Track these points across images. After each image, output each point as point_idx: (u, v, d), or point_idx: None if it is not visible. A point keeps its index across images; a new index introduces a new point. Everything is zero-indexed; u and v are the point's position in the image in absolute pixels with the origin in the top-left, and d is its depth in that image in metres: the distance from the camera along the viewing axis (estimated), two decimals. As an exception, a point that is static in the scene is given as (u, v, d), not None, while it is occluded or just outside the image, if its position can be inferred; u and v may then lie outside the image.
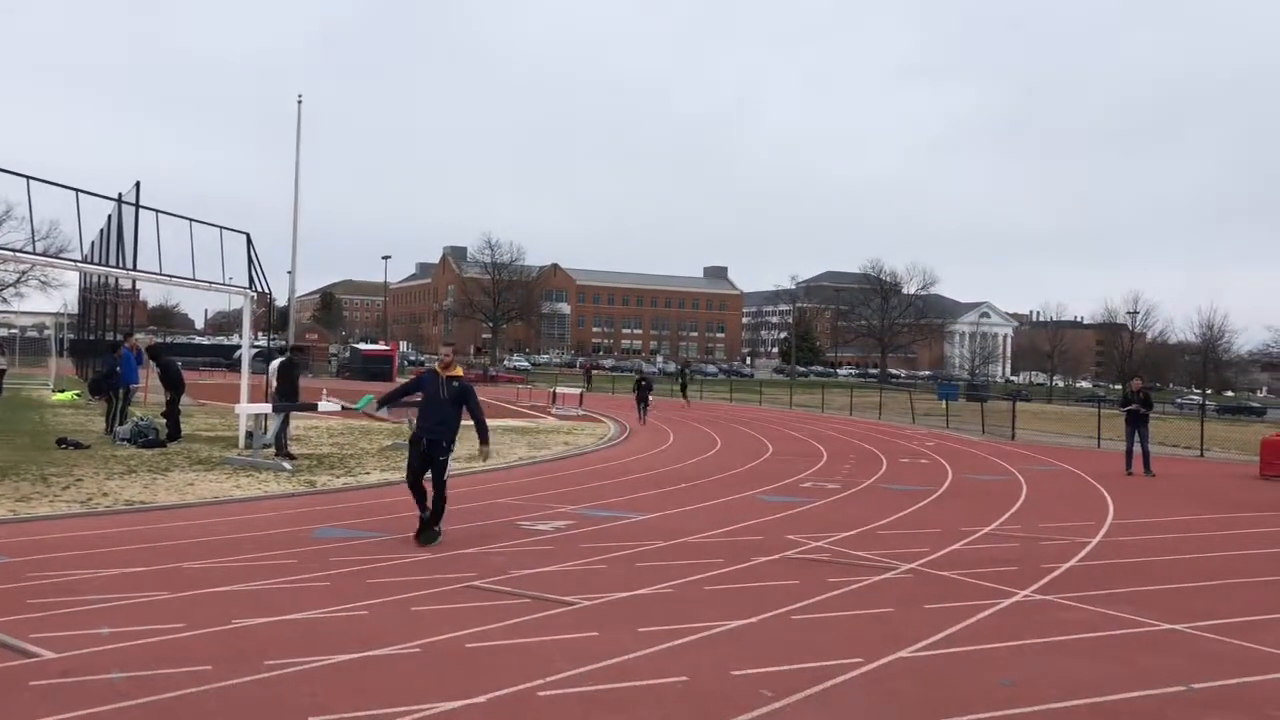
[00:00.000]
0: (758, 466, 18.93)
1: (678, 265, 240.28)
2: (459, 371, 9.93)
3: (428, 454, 9.71)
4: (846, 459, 21.00)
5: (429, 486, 9.80)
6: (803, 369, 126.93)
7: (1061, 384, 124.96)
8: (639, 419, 31.57)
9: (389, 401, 10.64)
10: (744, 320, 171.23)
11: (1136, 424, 19.89)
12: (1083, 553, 10.51)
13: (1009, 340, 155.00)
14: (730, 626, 6.92)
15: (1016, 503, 14.59)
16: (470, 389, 9.92)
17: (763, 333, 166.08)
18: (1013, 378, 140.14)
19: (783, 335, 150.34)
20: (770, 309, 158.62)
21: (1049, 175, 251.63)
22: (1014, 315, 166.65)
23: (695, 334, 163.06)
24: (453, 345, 10.58)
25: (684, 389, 48.00)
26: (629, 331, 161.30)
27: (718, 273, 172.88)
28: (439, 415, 9.73)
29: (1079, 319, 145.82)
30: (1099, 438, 28.40)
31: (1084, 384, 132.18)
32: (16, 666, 5.55)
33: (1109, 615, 7.68)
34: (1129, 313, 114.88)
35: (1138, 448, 19.75)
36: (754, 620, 7.11)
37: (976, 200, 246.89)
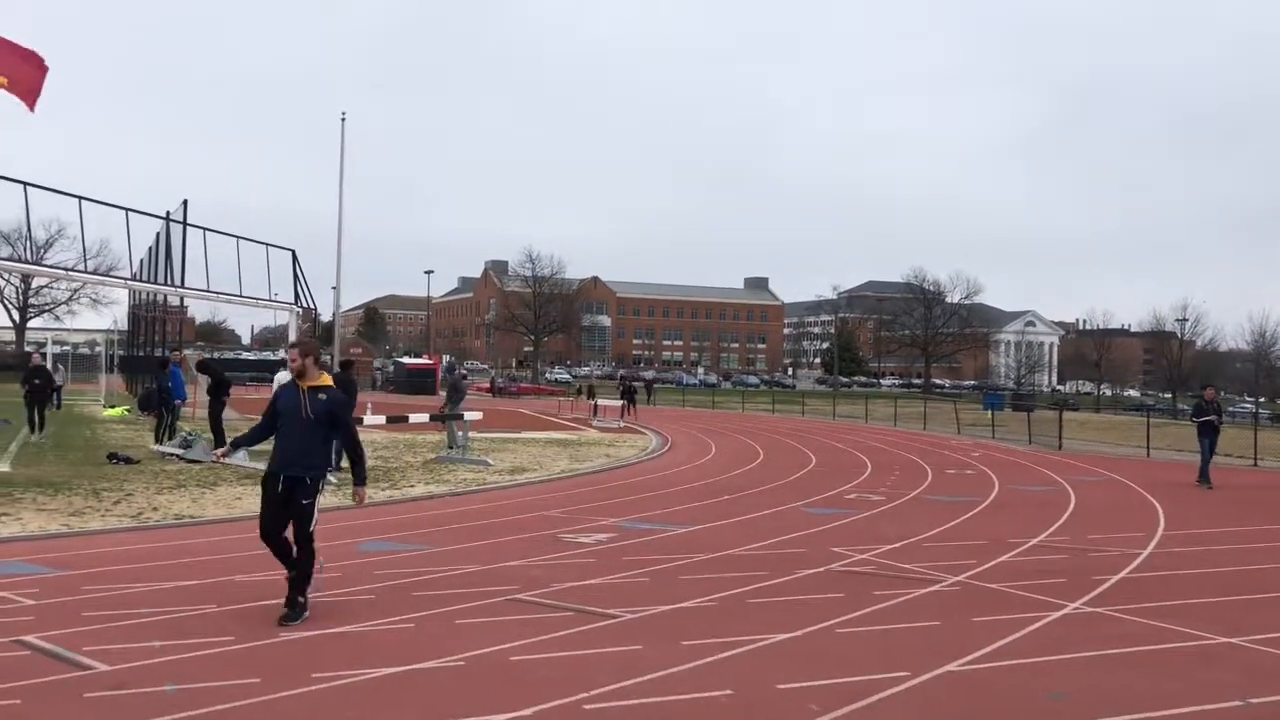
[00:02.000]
0: (801, 478, 18.84)
1: (718, 276, 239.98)
2: (325, 381, 7.41)
3: (285, 497, 7.12)
4: (891, 470, 20.84)
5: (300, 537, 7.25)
6: (845, 379, 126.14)
7: (1109, 393, 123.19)
8: (623, 415, 38.36)
9: (254, 440, 7.69)
10: (785, 331, 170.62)
11: (1209, 435, 19.59)
12: (1134, 564, 10.34)
13: (1054, 349, 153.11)
14: (775, 640, 6.88)
15: (1065, 513, 14.40)
16: (342, 404, 7.46)
17: (804, 343, 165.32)
18: (1059, 387, 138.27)
19: (825, 346, 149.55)
20: (812, 319, 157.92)
21: (1095, 181, 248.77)
22: (1059, 324, 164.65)
23: (736, 345, 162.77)
24: (302, 346, 7.48)
25: (630, 399, 46.18)
26: (669, 343, 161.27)
27: (759, 283, 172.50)
28: (299, 443, 7.19)
29: (1126, 327, 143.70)
30: (1148, 447, 27.97)
31: (1132, 393, 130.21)
32: (72, 679, 5.64)
33: (1162, 628, 7.55)
34: (1178, 320, 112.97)
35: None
36: (799, 633, 7.06)
37: (1020, 207, 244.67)
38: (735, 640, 6.81)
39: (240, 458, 7.97)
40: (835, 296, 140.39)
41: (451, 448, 21.27)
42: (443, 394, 36.09)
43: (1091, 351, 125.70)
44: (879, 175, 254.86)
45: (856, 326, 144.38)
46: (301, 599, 7.11)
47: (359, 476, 7.46)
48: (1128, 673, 6.38)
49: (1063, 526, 13.07)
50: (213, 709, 5.18)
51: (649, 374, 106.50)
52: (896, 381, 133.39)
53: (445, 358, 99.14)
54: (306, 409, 7.19)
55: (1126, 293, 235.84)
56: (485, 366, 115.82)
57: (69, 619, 6.89)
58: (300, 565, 7.15)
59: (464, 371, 30.94)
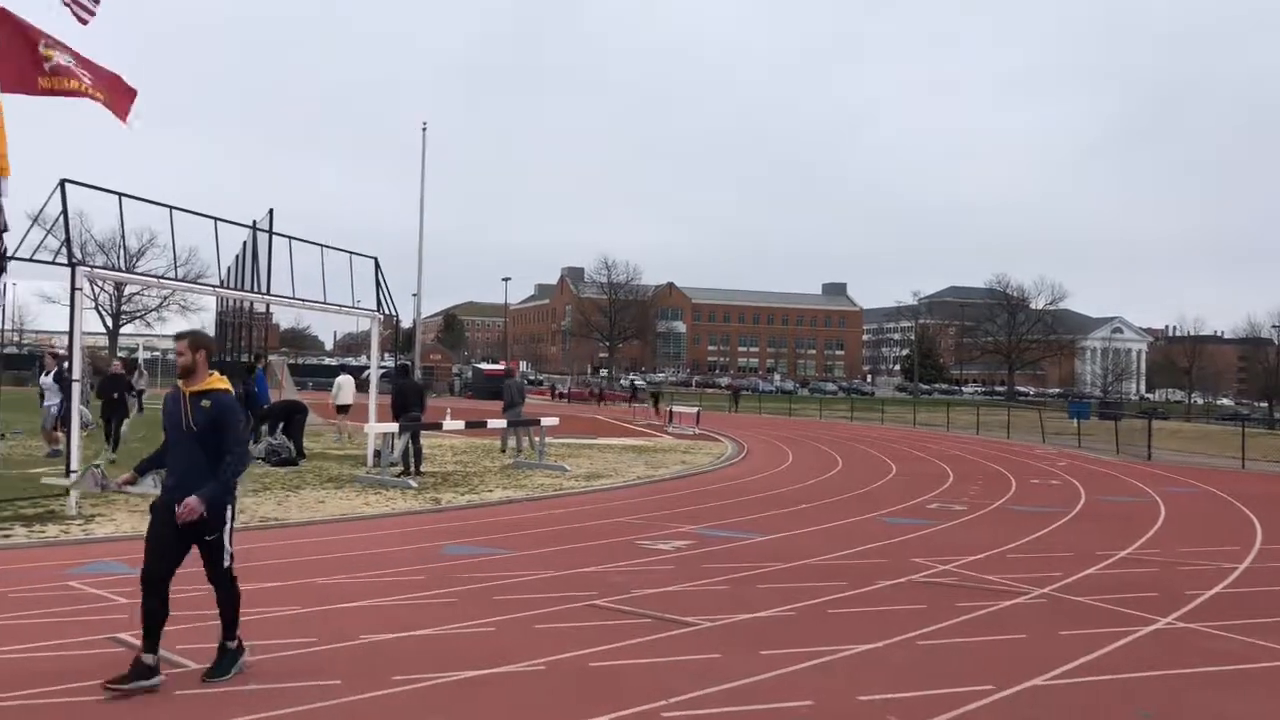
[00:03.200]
0: (881, 487, 18.63)
1: (795, 282, 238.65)
2: (217, 384, 5.91)
3: (181, 532, 5.69)
4: (974, 480, 20.50)
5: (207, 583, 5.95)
6: (926, 387, 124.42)
7: (1200, 401, 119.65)
8: (655, 413, 43.79)
9: (159, 461, 6.11)
10: (864, 337, 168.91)
11: None
12: (1229, 579, 10.03)
13: (1143, 356, 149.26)
14: (855, 651, 6.81)
15: (1155, 526, 14.02)
16: (230, 411, 5.85)
17: (884, 350, 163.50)
18: (1148, 395, 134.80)
19: (904, 353, 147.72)
20: (891, 326, 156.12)
21: (1185, 185, 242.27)
22: (1148, 330, 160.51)
23: (813, 351, 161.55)
24: (193, 338, 6.06)
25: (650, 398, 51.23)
26: (745, 350, 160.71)
27: (837, 289, 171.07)
28: (185, 462, 5.77)
29: (1219, 334, 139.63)
30: (1243, 458, 27.10)
31: (1225, 401, 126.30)
32: (164, 676, 5.80)
33: (1258, 646, 7.31)
34: (1274, 326, 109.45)
35: None
36: (879, 645, 6.98)
37: (1108, 212, 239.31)
38: (815, 650, 6.75)
39: (148, 485, 6.91)
40: (916, 302, 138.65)
41: (503, 451, 22.26)
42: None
43: (1182, 358, 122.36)
44: (964, 180, 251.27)
45: (937, 333, 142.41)
46: (231, 643, 5.92)
47: (223, 477, 5.74)
48: (1221, 692, 6.19)
49: (1152, 539, 12.72)
50: (293, 709, 5.29)
51: (731, 381, 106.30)
52: (979, 389, 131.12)
53: (520, 363, 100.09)
54: (188, 419, 5.76)
55: (1219, 298, 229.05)
56: (562, 374, 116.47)
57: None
58: (225, 606, 5.91)
59: (522, 375, 31.33)
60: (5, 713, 5.11)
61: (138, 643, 5.68)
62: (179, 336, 6.15)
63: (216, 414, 5.77)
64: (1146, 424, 32.49)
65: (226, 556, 5.88)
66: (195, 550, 5.84)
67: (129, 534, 10.69)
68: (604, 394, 74.65)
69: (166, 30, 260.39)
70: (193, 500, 5.57)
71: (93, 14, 11.90)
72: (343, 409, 25.78)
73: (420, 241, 45.11)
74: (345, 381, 26.62)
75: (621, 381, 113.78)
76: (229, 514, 5.86)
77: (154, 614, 5.59)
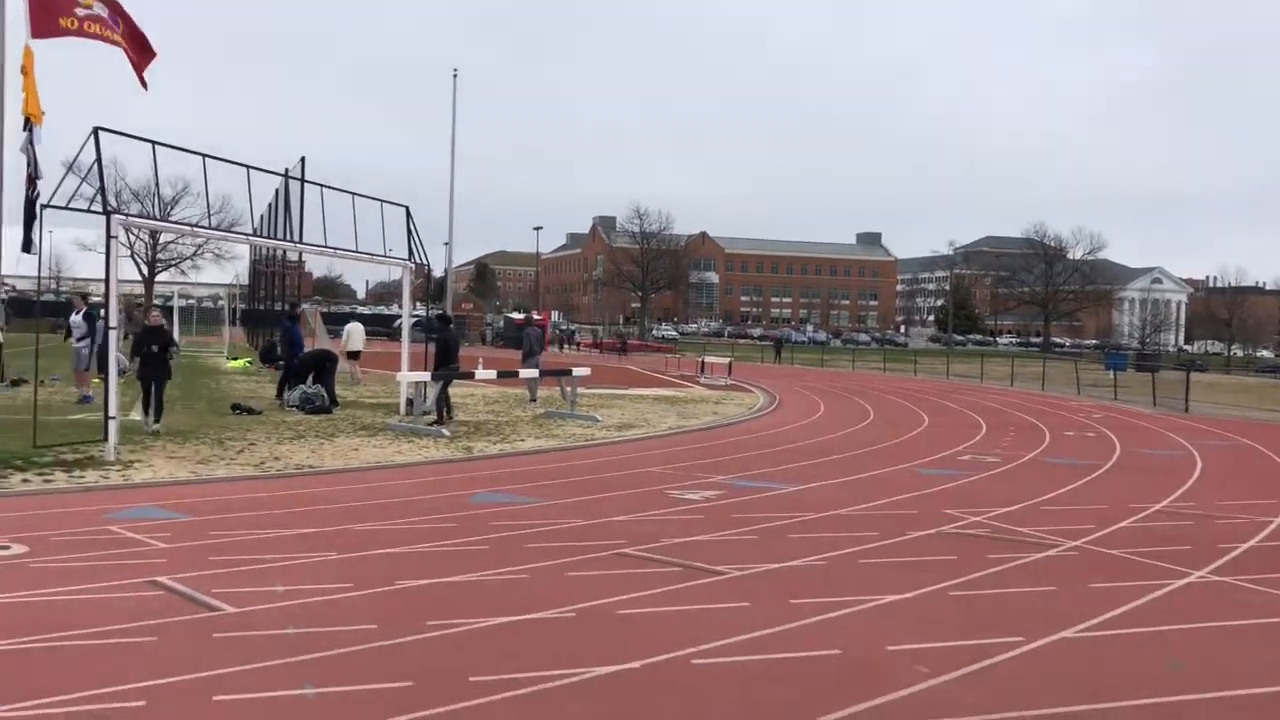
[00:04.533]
0: (913, 438, 18.59)
1: (829, 232, 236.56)
2: None
3: None
4: (1007, 431, 20.41)
5: None
6: (960, 338, 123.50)
7: (1240, 354, 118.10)
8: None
9: None
10: (898, 288, 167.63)
11: None
12: (1264, 533, 9.96)
13: (1183, 307, 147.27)
14: (885, 601, 6.84)
15: (1190, 479, 13.93)
16: None
17: (918, 300, 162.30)
18: (1186, 347, 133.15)
19: (939, 303, 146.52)
20: (926, 276, 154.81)
21: (1226, 134, 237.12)
22: (1188, 281, 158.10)
23: (847, 302, 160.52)
24: None
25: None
26: (778, 300, 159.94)
27: (871, 239, 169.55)
28: None
29: (1261, 284, 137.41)
30: (1283, 411, 26.77)
31: (1265, 353, 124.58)
32: (202, 619, 5.93)
33: (1293, 600, 7.27)
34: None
35: None
36: (909, 595, 7.01)
37: (1147, 161, 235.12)
38: (844, 600, 6.79)
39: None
40: (951, 252, 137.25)
41: (533, 400, 22.38)
42: (550, 350, 36.66)
43: (1223, 310, 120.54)
44: (1000, 128, 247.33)
45: (973, 283, 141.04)
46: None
47: None
48: (1253, 645, 6.18)
49: (1188, 492, 12.64)
50: (331, 653, 5.39)
51: (770, 332, 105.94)
52: (1014, 340, 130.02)
53: (551, 313, 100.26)
54: None
55: (1262, 249, 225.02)
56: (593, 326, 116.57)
57: (198, 562, 7.23)
58: None
59: (539, 321, 31.27)
60: (51, 652, 5.25)
61: (179, 586, 5.81)
62: None
63: None
64: (1184, 376, 32.14)
65: None
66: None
67: (166, 479, 10.88)
68: (626, 344, 73.21)
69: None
70: None
71: None
72: (353, 355, 26.43)
73: (451, 190, 45.30)
74: (354, 328, 27.50)
75: (654, 332, 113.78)
76: None
77: None
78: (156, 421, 14.63)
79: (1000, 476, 13.65)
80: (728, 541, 8.70)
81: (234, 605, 6.18)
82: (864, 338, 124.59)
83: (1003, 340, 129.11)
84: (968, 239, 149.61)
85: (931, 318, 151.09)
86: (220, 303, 54.14)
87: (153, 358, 14.75)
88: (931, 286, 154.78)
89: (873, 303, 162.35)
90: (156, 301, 53.84)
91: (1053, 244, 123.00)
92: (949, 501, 11.21)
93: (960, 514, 10.40)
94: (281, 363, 21.80)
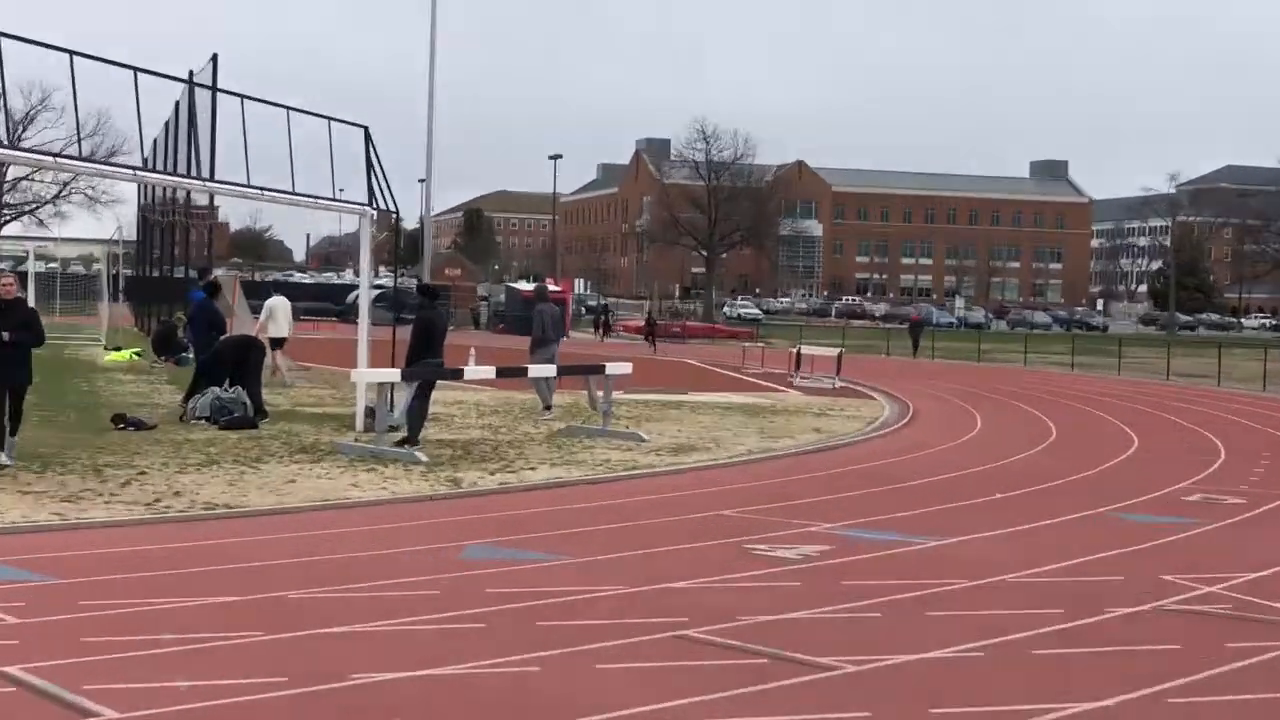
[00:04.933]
0: (1115, 468, 18.47)
1: (989, 162, 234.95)
2: None
3: None
4: (1257, 459, 20.21)
5: None
6: (1186, 318, 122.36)
7: None
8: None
9: None
10: (1094, 243, 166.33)
11: None
12: None
13: None
14: (1074, 711, 6.80)
15: None
16: None
17: (1122, 262, 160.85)
18: None
19: (1154, 266, 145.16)
20: (1135, 226, 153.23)
21: None
22: None
23: (1017, 265, 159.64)
24: None
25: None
26: (910, 262, 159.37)
27: (1052, 170, 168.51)
28: None
29: None
30: None
31: None
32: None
33: None
34: None
35: None
36: (1110, 703, 6.96)
37: None
38: (1013, 710, 6.76)
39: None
40: (1173, 190, 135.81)
41: (547, 409, 22.63)
42: (571, 334, 36.64)
43: None
44: (1239, 13, 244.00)
45: (1206, 237, 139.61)
46: None
47: None
48: None
49: None
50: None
51: (906, 311, 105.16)
52: (1268, 322, 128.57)
53: (574, 283, 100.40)
54: None
55: None
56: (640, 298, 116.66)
57: (65, 645, 7.30)
58: None
59: (556, 295, 31.16)
60: None
61: (37, 681, 5.87)
62: None
63: None
64: None
65: None
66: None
67: (18, 524, 11.03)
68: (654, 329, 69.80)
69: None
70: None
71: None
72: (276, 343, 26.48)
73: (430, 105, 44.53)
74: (278, 305, 27.63)
75: (725, 309, 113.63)
76: None
77: None
78: (8, 449, 13.88)
79: (1246, 525, 13.55)
80: (839, 621, 8.70)
81: (116, 708, 6.23)
82: (1042, 318, 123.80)
83: (1250, 322, 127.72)
84: (1197, 171, 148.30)
85: (1143, 288, 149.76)
86: (96, 267, 54.89)
87: None
88: (1143, 242, 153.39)
89: (1055, 266, 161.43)
90: (2, 265, 54.59)
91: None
92: (1169, 564, 11.14)
93: (1187, 582, 10.32)
94: (186, 355, 22.05)
